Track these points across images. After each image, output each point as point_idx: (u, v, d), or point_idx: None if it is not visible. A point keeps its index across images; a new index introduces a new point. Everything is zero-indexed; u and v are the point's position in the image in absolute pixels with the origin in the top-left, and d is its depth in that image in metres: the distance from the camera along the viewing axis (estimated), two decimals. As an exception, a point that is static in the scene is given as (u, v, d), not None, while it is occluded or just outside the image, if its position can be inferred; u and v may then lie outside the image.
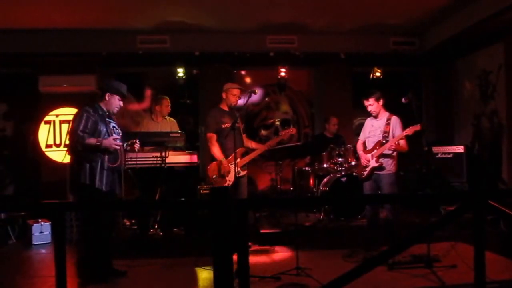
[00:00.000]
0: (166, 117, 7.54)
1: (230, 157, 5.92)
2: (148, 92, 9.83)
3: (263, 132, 9.93)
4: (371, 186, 5.98)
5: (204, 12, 7.84)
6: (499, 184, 8.29)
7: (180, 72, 9.10)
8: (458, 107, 9.96)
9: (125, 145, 5.51)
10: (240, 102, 6.17)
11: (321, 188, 7.76)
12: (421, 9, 7.84)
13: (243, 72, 10.19)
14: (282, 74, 9.45)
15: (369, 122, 6.15)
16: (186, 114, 9.56)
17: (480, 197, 3.13)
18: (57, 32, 8.29)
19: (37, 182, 8.85)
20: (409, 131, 5.61)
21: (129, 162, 6.79)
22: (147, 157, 6.94)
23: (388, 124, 5.85)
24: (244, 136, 6.25)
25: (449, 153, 8.59)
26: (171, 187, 7.10)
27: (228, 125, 5.91)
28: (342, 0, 7.49)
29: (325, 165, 7.95)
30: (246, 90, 5.89)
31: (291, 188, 8.52)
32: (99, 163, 4.87)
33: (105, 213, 5.04)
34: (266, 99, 10.31)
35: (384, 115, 5.97)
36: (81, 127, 4.84)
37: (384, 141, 5.80)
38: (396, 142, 5.69)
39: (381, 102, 5.94)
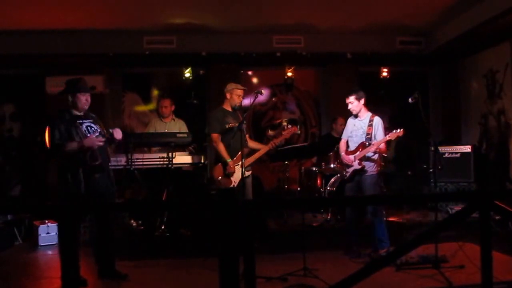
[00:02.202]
0: (174, 118, 7.52)
1: (235, 158, 5.91)
2: (155, 93, 9.86)
3: (270, 132, 9.88)
4: (352, 187, 5.96)
5: (211, 12, 7.85)
6: (507, 184, 8.23)
7: (187, 72, 9.11)
8: (465, 107, 9.91)
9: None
10: (246, 102, 6.16)
11: (328, 188, 7.74)
12: (428, 8, 7.81)
13: (249, 72, 10.18)
14: (289, 74, 9.44)
15: (351, 121, 6.09)
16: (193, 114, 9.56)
17: (486, 197, 3.11)
18: (64, 33, 8.31)
19: (44, 183, 8.87)
20: (392, 136, 5.63)
21: (136, 163, 6.80)
22: (154, 158, 6.94)
23: (370, 125, 5.80)
24: (247, 136, 6.23)
25: (456, 153, 8.54)
26: (178, 188, 7.10)
27: (232, 125, 5.90)
28: (348, 0, 7.47)
29: (332, 165, 7.92)
30: (249, 90, 5.86)
31: (298, 189, 8.49)
32: (75, 166, 4.78)
33: (101, 215, 4.99)
34: (273, 99, 10.30)
35: (367, 115, 5.92)
36: (57, 137, 4.79)
37: (367, 144, 5.77)
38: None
39: (362, 101, 5.87)
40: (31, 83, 9.18)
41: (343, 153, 6.05)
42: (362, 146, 5.80)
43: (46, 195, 8.65)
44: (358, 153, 5.81)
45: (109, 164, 5.16)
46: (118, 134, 5.13)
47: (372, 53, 9.14)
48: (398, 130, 5.61)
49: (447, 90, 10.20)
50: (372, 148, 5.70)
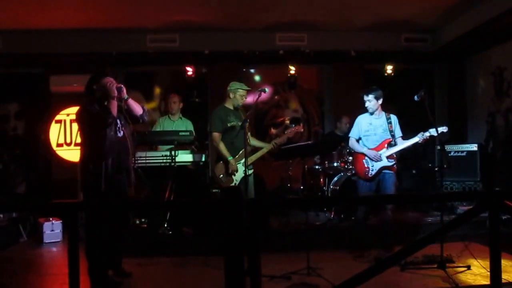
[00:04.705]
0: (181, 116, 7.46)
1: (237, 156, 5.88)
2: (158, 91, 9.85)
3: (272, 130, 9.87)
4: (370, 187, 5.90)
5: (213, 10, 7.81)
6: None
7: (190, 70, 9.08)
8: (472, 105, 9.83)
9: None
10: (250, 100, 6.11)
11: (331, 187, 7.69)
12: (434, 5, 7.74)
13: (252, 70, 10.14)
14: (292, 72, 9.38)
15: (364, 120, 6.03)
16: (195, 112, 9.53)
17: (496, 196, 3.06)
18: (67, 32, 8.31)
19: (48, 181, 8.88)
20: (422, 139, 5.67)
21: (139, 161, 6.77)
22: (157, 156, 6.91)
23: (390, 123, 5.86)
24: (249, 134, 6.19)
25: (462, 151, 8.48)
26: (181, 186, 7.07)
27: (233, 123, 5.87)
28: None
29: (335, 164, 7.87)
30: (254, 89, 5.83)
31: (301, 187, 8.45)
32: (104, 164, 4.73)
33: (115, 214, 4.97)
34: (276, 97, 10.25)
35: (382, 113, 5.95)
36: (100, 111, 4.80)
37: (393, 142, 5.82)
38: None
39: (380, 101, 5.89)
40: (36, 82, 9.21)
41: (366, 149, 5.91)
42: (388, 143, 5.83)
43: (51, 192, 8.67)
44: (383, 150, 5.81)
45: (131, 163, 5.11)
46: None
47: (376, 50, 9.06)
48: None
49: (454, 88, 10.11)
50: (410, 143, 5.76)
